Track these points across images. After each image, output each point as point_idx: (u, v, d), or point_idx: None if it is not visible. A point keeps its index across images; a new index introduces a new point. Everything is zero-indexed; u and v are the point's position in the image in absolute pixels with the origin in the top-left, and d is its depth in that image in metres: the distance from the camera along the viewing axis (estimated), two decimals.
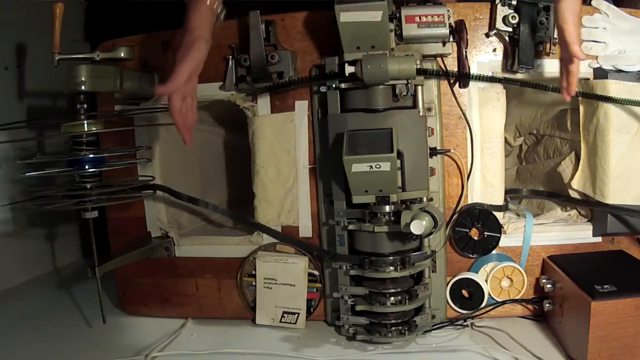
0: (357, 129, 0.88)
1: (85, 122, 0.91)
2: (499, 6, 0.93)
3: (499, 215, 0.99)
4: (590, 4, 0.97)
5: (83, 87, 0.88)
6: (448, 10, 0.91)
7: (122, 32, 1.09)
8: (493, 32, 0.95)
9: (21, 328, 1.10)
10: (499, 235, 0.98)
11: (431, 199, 0.94)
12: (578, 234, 1.01)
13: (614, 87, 0.93)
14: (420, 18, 0.90)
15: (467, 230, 0.99)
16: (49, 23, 0.91)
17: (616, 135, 0.95)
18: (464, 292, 1.00)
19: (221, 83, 1.03)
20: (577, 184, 1.02)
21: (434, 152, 0.95)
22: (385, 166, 0.81)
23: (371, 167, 0.81)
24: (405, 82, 0.88)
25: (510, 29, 0.94)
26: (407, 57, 0.86)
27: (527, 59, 0.93)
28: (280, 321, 1.04)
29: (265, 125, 1.03)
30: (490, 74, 0.95)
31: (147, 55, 1.07)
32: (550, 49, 0.94)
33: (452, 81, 0.97)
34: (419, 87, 0.91)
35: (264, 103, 1.03)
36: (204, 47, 0.86)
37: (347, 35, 0.85)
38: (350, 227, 0.93)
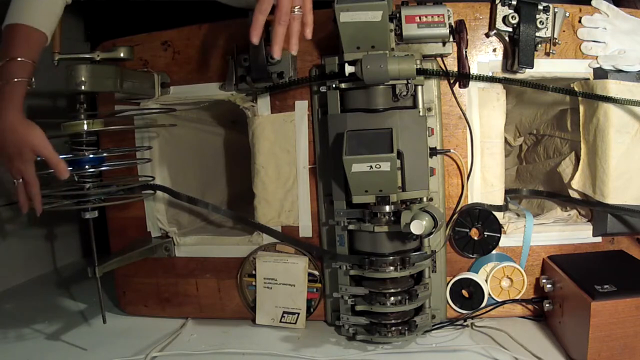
0: (357, 129, 0.88)
1: (85, 122, 0.91)
2: (499, 6, 0.93)
3: (499, 215, 0.99)
4: (590, 4, 0.97)
5: (83, 87, 0.88)
6: (448, 10, 0.91)
7: (122, 32, 1.09)
8: (493, 32, 0.95)
9: (21, 328, 1.09)
10: (499, 235, 0.98)
11: (431, 199, 0.94)
12: (578, 234, 1.01)
13: (614, 87, 0.93)
14: (420, 18, 0.90)
15: (467, 230, 0.99)
16: None
17: (616, 135, 0.95)
18: (464, 292, 1.00)
19: (221, 83, 1.03)
20: (577, 184, 1.02)
21: (434, 152, 0.95)
22: (385, 166, 0.81)
23: (371, 167, 0.81)
24: (405, 82, 0.87)
25: (510, 29, 0.94)
26: (407, 57, 0.86)
27: (527, 59, 0.93)
28: (280, 321, 1.04)
29: (265, 125, 1.03)
30: (490, 74, 0.95)
31: (147, 55, 1.07)
32: (550, 49, 0.95)
33: (452, 81, 0.97)
34: (419, 87, 0.91)
35: (264, 103, 1.03)
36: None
37: (347, 35, 0.85)
38: (350, 227, 0.93)
